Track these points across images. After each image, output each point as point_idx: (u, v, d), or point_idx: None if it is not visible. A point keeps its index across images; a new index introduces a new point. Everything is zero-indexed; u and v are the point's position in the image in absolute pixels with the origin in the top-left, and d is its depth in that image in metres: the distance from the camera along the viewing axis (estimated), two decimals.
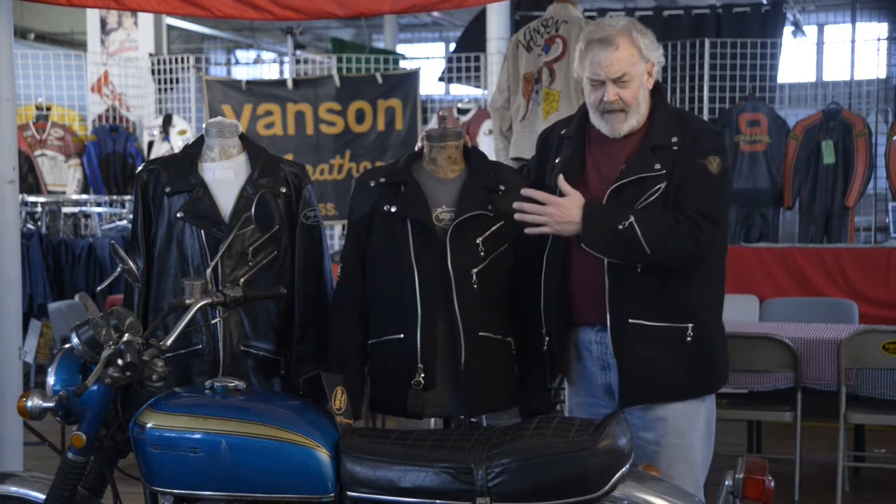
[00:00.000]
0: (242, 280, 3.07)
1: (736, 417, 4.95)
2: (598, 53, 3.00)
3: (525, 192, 2.95)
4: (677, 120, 3.07)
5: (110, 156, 9.36)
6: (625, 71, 2.99)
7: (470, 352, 3.06)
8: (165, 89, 9.73)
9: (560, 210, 2.90)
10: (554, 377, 3.19)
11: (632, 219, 2.87)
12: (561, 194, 2.94)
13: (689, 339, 2.98)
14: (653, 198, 2.96)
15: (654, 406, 3.02)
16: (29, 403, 2.85)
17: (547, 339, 3.11)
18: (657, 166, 2.96)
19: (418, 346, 3.07)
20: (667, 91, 8.34)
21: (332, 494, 2.70)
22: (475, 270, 3.08)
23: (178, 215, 3.31)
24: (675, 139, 3.00)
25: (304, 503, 2.72)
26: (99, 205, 8.56)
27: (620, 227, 2.86)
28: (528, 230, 2.95)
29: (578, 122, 3.17)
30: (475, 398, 3.09)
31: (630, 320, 2.96)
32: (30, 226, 7.57)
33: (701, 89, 8.51)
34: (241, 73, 15.92)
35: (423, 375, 3.06)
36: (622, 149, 3.06)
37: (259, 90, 8.13)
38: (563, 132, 3.19)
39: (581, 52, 3.06)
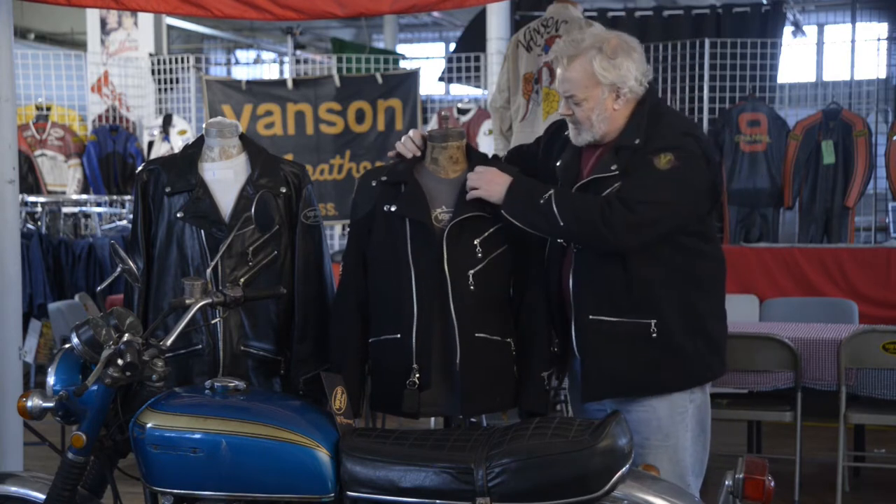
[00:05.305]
0: (242, 280, 3.07)
1: (736, 417, 4.95)
2: (556, 67, 3.09)
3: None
4: (652, 122, 3.05)
5: (110, 156, 9.36)
6: (573, 92, 3.04)
7: (466, 353, 3.05)
8: (165, 89, 9.73)
9: (490, 174, 3.04)
10: (562, 377, 3.19)
11: (551, 192, 2.97)
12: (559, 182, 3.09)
13: (653, 335, 2.98)
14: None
15: (634, 408, 3.03)
16: (29, 403, 2.85)
17: (556, 339, 3.14)
18: (613, 167, 3.00)
19: (413, 346, 3.06)
20: (666, 91, 8.34)
21: (332, 494, 2.71)
22: (472, 272, 3.06)
23: (178, 215, 3.31)
24: (637, 141, 3.02)
25: (304, 503, 2.72)
26: (99, 205, 8.56)
27: (541, 200, 2.95)
28: (468, 196, 3.07)
29: None
30: (471, 399, 3.08)
31: (591, 316, 3.00)
32: (30, 226, 7.57)
33: (701, 89, 8.51)
34: (241, 73, 15.93)
35: (417, 376, 3.05)
36: (600, 153, 3.11)
37: (259, 90, 8.14)
38: (566, 133, 3.21)
39: None
